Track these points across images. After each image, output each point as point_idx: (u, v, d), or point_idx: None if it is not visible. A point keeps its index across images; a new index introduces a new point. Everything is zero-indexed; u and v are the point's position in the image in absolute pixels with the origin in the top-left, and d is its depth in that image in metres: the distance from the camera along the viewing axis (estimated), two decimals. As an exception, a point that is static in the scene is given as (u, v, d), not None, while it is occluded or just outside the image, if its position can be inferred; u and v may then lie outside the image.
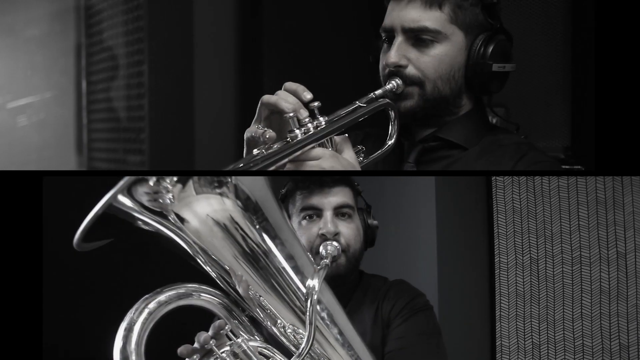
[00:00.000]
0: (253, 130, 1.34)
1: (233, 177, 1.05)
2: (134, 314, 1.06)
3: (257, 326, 1.21)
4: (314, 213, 1.51)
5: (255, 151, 1.30)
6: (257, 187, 1.09)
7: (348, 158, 1.36)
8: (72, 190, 2.16)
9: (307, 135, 1.31)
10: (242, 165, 1.24)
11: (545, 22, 2.36)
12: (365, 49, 1.61)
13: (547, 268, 2.61)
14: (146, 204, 0.99)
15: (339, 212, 1.52)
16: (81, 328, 2.14)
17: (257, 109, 1.36)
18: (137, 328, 1.04)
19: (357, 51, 1.77)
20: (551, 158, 1.54)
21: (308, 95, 1.33)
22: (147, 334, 1.06)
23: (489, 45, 1.49)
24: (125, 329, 1.04)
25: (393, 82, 1.47)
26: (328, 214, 1.50)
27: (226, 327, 1.16)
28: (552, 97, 2.40)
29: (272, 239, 1.11)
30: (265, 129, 1.32)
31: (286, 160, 1.29)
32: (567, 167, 2.35)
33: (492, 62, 1.48)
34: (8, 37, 3.32)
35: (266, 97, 1.34)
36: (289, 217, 1.56)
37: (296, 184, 1.54)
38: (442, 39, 1.47)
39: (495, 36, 1.50)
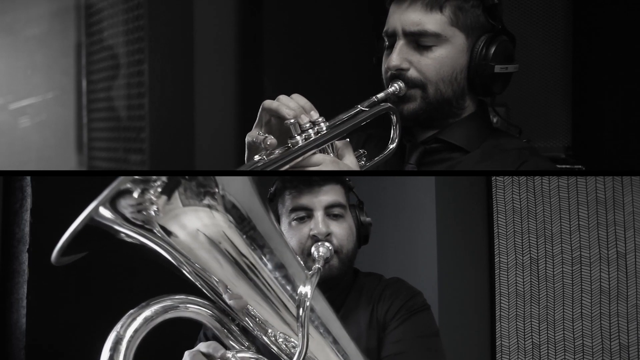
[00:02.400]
0: (254, 135, 1.34)
1: (220, 188, 1.03)
2: (120, 329, 1.04)
3: (249, 336, 1.19)
4: (305, 214, 1.47)
5: (256, 157, 1.30)
6: (245, 196, 1.07)
7: (349, 163, 1.36)
8: (69, 190, 2.15)
9: (308, 141, 1.31)
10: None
11: (545, 22, 2.35)
12: (367, 51, 1.60)
13: (547, 268, 2.60)
14: (129, 216, 0.97)
15: (330, 212, 1.47)
16: (70, 340, 2.11)
17: (258, 113, 1.35)
18: (122, 347, 1.01)
19: (359, 53, 1.77)
20: (552, 163, 1.53)
21: (315, 115, 1.32)
22: (134, 349, 1.03)
23: (491, 46, 1.48)
24: (110, 349, 1.02)
25: (395, 85, 1.47)
26: (319, 214, 1.46)
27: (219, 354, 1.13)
28: (552, 97, 2.39)
29: (261, 248, 1.09)
30: (267, 135, 1.31)
31: (287, 166, 1.29)
32: (567, 167, 2.35)
33: (495, 64, 1.47)
34: (8, 36, 3.31)
35: (267, 103, 1.33)
36: (278, 218, 1.52)
37: (284, 183, 1.50)
38: (443, 41, 1.46)
39: (497, 37, 1.49)
